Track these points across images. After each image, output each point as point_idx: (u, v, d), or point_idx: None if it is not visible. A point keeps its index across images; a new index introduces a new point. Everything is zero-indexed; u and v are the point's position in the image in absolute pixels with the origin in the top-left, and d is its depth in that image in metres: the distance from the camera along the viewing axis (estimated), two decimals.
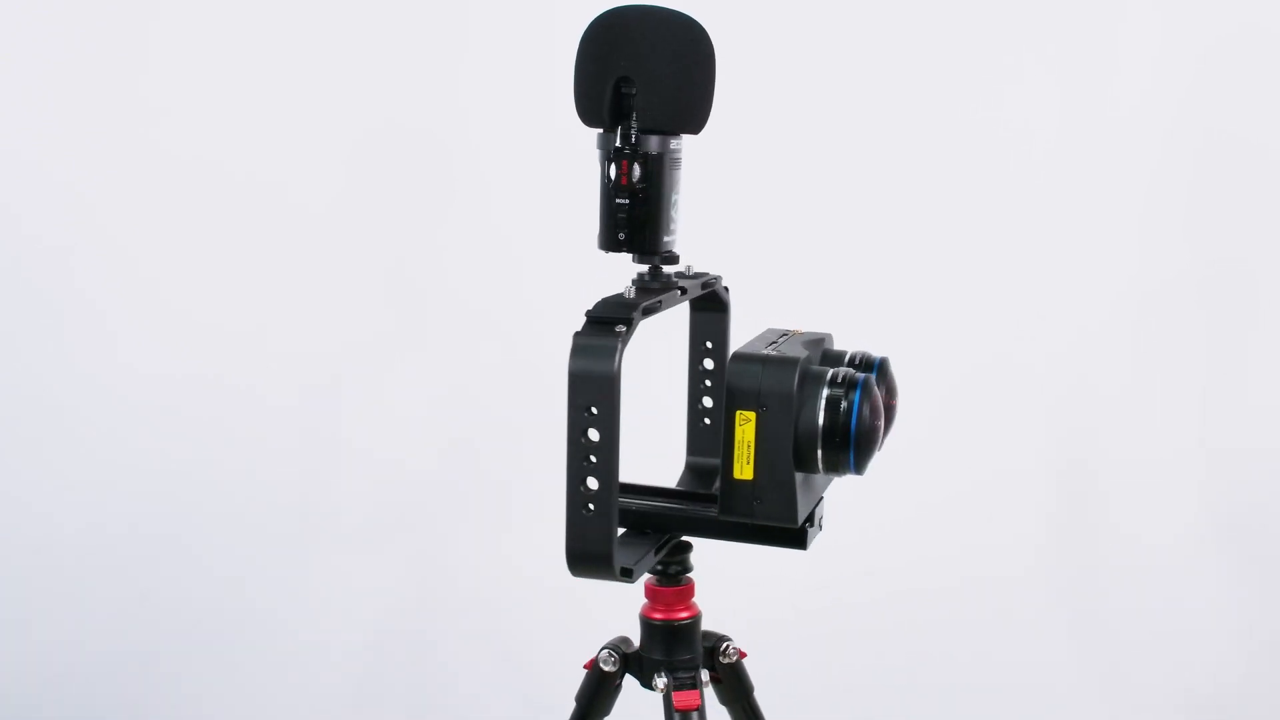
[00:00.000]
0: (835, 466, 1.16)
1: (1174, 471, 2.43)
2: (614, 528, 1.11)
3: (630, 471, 1.33)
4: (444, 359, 2.30)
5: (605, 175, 1.20)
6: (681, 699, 1.25)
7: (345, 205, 2.26)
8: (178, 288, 2.19)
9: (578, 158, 1.25)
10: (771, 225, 2.37)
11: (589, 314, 1.12)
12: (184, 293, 2.20)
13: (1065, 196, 2.43)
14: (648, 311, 1.15)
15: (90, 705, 2.10)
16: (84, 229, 2.16)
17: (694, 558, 1.32)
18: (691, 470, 1.42)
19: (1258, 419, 2.42)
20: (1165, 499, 2.42)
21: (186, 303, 2.20)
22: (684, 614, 1.32)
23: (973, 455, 2.42)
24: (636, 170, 1.19)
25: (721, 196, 2.27)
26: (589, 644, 1.34)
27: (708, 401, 1.42)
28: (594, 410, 1.08)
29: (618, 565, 1.12)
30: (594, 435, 1.09)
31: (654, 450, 1.37)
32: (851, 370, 1.18)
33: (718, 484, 1.18)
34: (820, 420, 1.15)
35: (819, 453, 1.15)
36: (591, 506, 1.10)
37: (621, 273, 1.25)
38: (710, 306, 1.42)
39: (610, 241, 1.21)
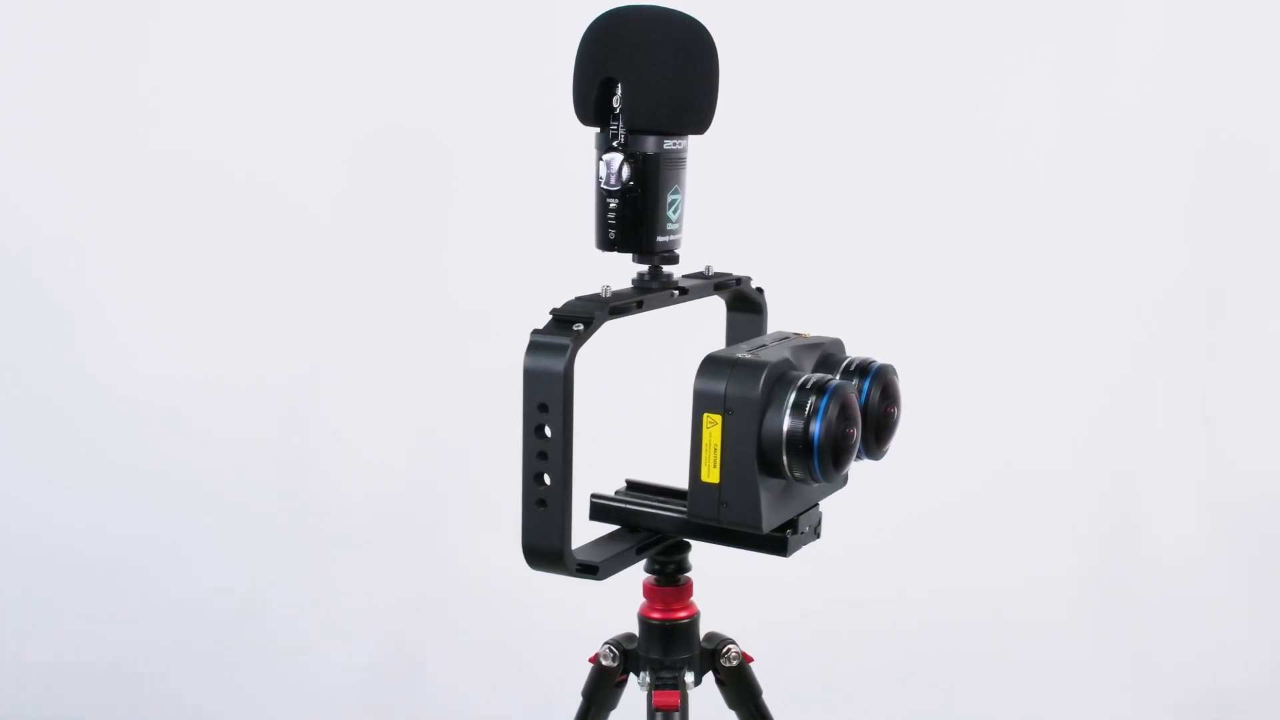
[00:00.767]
0: (804, 474, 1.14)
1: (1183, 470, 2.41)
2: (567, 524, 1.12)
3: (654, 470, 1.34)
4: (443, 360, 2.28)
5: (597, 174, 1.21)
6: (661, 698, 1.25)
7: (346, 205, 2.26)
8: (178, 287, 2.19)
9: (580, 158, 1.26)
10: (792, 226, 2.36)
11: (553, 311, 1.14)
12: (184, 292, 2.19)
13: (1066, 197, 2.40)
14: (618, 312, 1.16)
15: (89, 706, 2.13)
16: (85, 228, 2.15)
17: (701, 558, 1.32)
18: None
19: (1263, 418, 2.39)
20: (1176, 497, 2.41)
21: (186, 302, 2.19)
22: (682, 614, 1.32)
23: (977, 457, 2.41)
24: (627, 169, 1.19)
25: (749, 198, 2.28)
26: (588, 644, 1.35)
27: None
28: (547, 407, 1.10)
29: (572, 562, 1.14)
30: (547, 432, 1.10)
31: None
32: (825, 376, 1.15)
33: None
34: (785, 426, 1.13)
35: (784, 459, 1.13)
36: (545, 502, 1.12)
37: (622, 272, 1.26)
38: (744, 307, 1.41)
39: (603, 240, 1.22)
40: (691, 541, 1.31)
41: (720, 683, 1.36)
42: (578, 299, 1.16)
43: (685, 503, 1.27)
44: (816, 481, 1.15)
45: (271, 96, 2.15)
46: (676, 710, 1.25)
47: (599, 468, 1.34)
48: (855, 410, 1.16)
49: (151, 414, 2.16)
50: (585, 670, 1.34)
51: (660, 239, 1.22)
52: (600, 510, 1.29)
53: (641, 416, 1.86)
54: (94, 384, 2.14)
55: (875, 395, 1.22)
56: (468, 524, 2.31)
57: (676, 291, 1.26)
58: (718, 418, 1.15)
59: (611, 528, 1.28)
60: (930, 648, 2.33)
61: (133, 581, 2.14)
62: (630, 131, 1.19)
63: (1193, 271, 2.42)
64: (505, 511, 1.18)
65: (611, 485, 1.33)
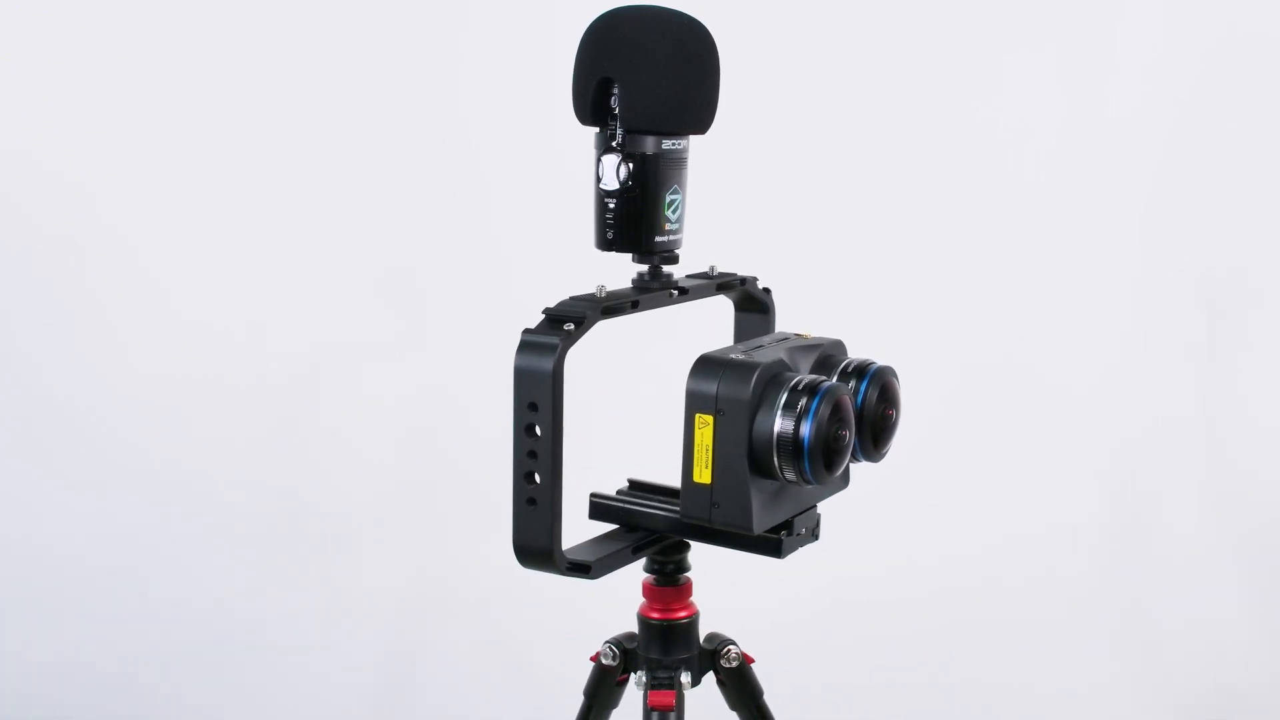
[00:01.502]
0: (795, 475, 1.13)
1: (1184, 470, 2.41)
2: (557, 523, 1.12)
3: (657, 470, 1.34)
4: (444, 360, 2.26)
5: (596, 175, 1.21)
6: (656, 698, 1.26)
7: (346, 206, 2.24)
8: (177, 288, 2.17)
9: (581, 158, 1.26)
10: (795, 227, 2.35)
11: (545, 310, 1.14)
12: (183, 293, 2.17)
13: (1067, 197, 2.39)
14: (611, 312, 1.16)
15: (89, 707, 2.13)
16: (85, 228, 2.14)
17: (702, 559, 1.32)
18: None
19: (1263, 418, 2.39)
20: (1176, 498, 2.41)
21: (186, 303, 2.17)
22: (682, 614, 1.32)
23: (977, 458, 2.40)
24: (624, 170, 1.19)
25: (754, 198, 2.27)
26: (588, 644, 1.35)
27: None
28: (536, 406, 1.10)
29: (562, 560, 1.14)
30: (537, 431, 1.11)
31: None
32: (818, 378, 1.15)
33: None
34: (775, 427, 1.12)
35: (775, 460, 1.13)
36: (535, 501, 1.12)
37: (623, 272, 1.26)
38: (751, 308, 1.41)
39: (602, 241, 1.23)
40: (691, 542, 1.31)
41: (721, 684, 1.35)
42: (572, 299, 1.16)
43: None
44: (808, 483, 1.14)
45: (272, 97, 2.14)
46: (672, 710, 1.25)
47: (602, 467, 1.35)
48: (848, 412, 1.15)
49: (150, 415, 2.15)
50: (585, 670, 1.34)
51: (658, 239, 1.22)
52: (600, 509, 1.29)
53: (645, 416, 1.85)
54: (94, 385, 2.13)
55: (872, 397, 1.21)
56: (468, 524, 2.30)
57: (675, 291, 1.25)
58: (709, 418, 1.15)
59: (611, 527, 1.28)
60: (932, 648, 2.34)
61: (132, 583, 2.14)
62: (628, 132, 1.19)
63: (1193, 272, 2.42)
64: (505, 512, 1.18)
65: (614, 484, 1.33)
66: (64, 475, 2.16)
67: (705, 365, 1.16)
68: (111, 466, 2.17)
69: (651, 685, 1.27)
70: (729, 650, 1.34)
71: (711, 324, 1.43)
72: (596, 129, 1.21)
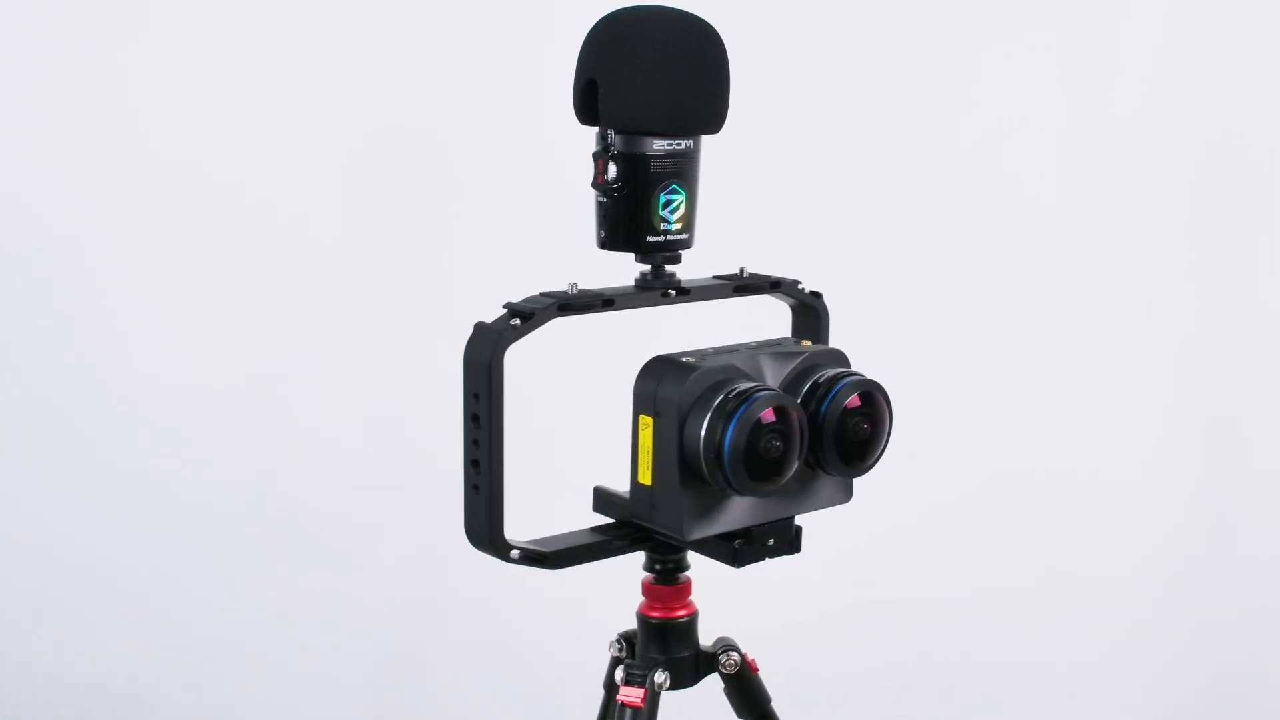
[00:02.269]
0: (722, 484, 1.12)
1: (1183, 470, 2.40)
2: (497, 508, 1.16)
3: None
4: (445, 359, 2.19)
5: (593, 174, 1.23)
6: (625, 694, 1.26)
7: (347, 206, 2.19)
8: (176, 288, 2.15)
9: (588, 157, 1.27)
10: (796, 226, 2.27)
11: (506, 304, 1.18)
12: (183, 294, 2.15)
13: (1068, 197, 2.36)
14: (568, 309, 1.18)
15: (89, 708, 2.15)
16: (85, 228, 2.11)
17: (704, 559, 1.31)
18: None
19: (1262, 418, 2.39)
20: (1175, 498, 2.41)
21: (185, 304, 2.15)
22: (681, 613, 1.32)
23: (977, 458, 2.37)
24: (613, 169, 1.20)
25: (759, 197, 2.19)
26: (588, 643, 1.37)
27: None
28: (478, 396, 1.15)
29: (506, 547, 1.18)
30: (480, 420, 1.15)
31: None
32: (754, 386, 1.12)
33: None
34: (701, 433, 1.11)
35: (703, 466, 1.12)
36: (477, 487, 1.17)
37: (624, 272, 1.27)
38: (802, 311, 1.38)
39: (598, 239, 1.25)
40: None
41: (726, 689, 1.34)
42: (541, 294, 1.19)
43: None
44: (736, 492, 1.12)
45: (271, 98, 2.12)
46: (638, 709, 1.25)
47: (615, 462, 1.36)
48: (789, 424, 1.12)
49: (148, 416, 2.13)
50: (585, 670, 1.36)
51: (652, 239, 1.22)
52: (601, 502, 1.31)
53: None
54: (92, 385, 2.11)
55: (835, 412, 1.16)
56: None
57: (674, 291, 1.25)
58: (649, 420, 1.15)
59: (610, 520, 1.30)
60: (934, 649, 2.35)
61: (132, 584, 2.15)
62: (618, 132, 1.20)
63: (1197, 273, 2.38)
64: (510, 511, 1.22)
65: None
66: (60, 477, 2.13)
67: (651, 367, 1.17)
68: (110, 467, 2.13)
69: (625, 680, 1.28)
70: (730, 656, 1.32)
71: (764, 324, 1.40)
72: (596, 129, 1.23)
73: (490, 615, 2.22)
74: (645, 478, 1.17)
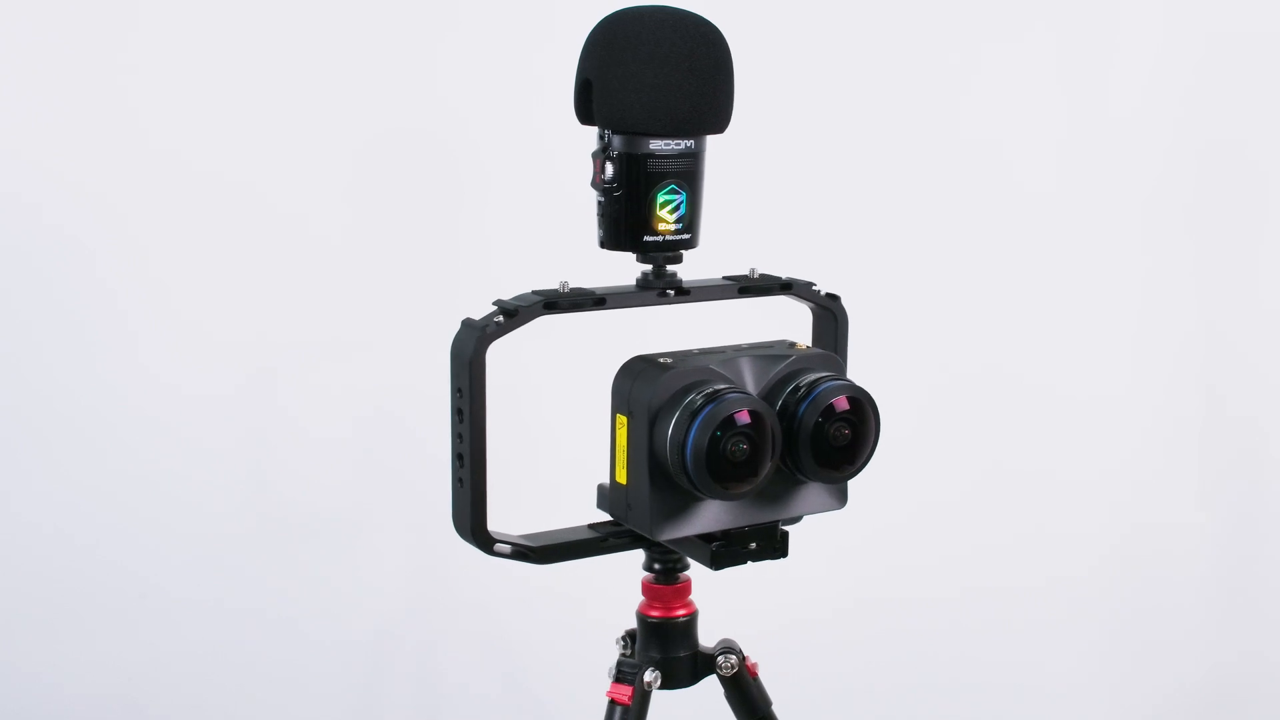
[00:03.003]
0: (689, 486, 1.12)
1: (1182, 471, 2.42)
2: (478, 501, 1.19)
3: None
4: (444, 359, 2.13)
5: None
6: (615, 690, 1.27)
7: (349, 206, 2.14)
8: (178, 288, 2.10)
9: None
10: (798, 227, 2.24)
11: (496, 301, 1.20)
12: (183, 295, 2.10)
13: (1068, 198, 2.35)
14: (553, 308, 1.19)
15: (89, 706, 2.14)
16: (86, 228, 2.06)
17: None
18: None
19: (1261, 418, 2.41)
20: (1173, 499, 2.42)
21: (186, 305, 2.11)
22: (680, 612, 1.31)
23: (976, 459, 2.37)
24: (610, 169, 1.21)
25: (761, 197, 2.14)
26: (588, 643, 1.38)
27: None
28: (460, 391, 1.17)
29: (488, 541, 1.20)
30: (463, 414, 1.18)
31: None
32: (722, 389, 1.11)
33: None
34: (668, 434, 1.11)
35: (670, 467, 1.12)
36: (461, 480, 1.19)
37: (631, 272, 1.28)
38: (822, 315, 1.36)
39: (599, 238, 1.26)
40: None
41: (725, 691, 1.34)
42: (532, 292, 1.21)
43: None
44: (699, 494, 1.12)
45: (270, 98, 2.07)
46: (626, 705, 1.26)
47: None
48: (759, 427, 1.11)
49: (148, 416, 2.10)
50: (585, 670, 1.37)
51: (649, 238, 1.22)
52: (604, 500, 1.32)
53: None
54: (91, 385, 2.07)
55: (811, 417, 1.14)
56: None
57: (672, 291, 1.25)
58: (624, 419, 1.16)
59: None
60: (938, 650, 2.36)
61: (131, 584, 2.13)
62: (615, 132, 1.21)
63: (1195, 275, 2.38)
64: (504, 512, 1.24)
65: None
66: (60, 477, 2.10)
67: (629, 366, 1.17)
68: (110, 468, 2.11)
69: (616, 677, 1.28)
70: (727, 659, 1.32)
71: (784, 327, 1.39)
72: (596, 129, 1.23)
73: (491, 614, 2.21)
74: (621, 477, 1.17)
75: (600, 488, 1.31)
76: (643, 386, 1.13)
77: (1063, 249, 2.36)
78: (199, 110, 2.03)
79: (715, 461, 1.09)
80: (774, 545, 1.21)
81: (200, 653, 2.15)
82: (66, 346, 2.07)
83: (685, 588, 1.32)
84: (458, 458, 1.19)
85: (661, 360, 1.15)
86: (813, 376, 1.17)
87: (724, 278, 1.31)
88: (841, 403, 1.15)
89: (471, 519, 1.19)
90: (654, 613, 1.31)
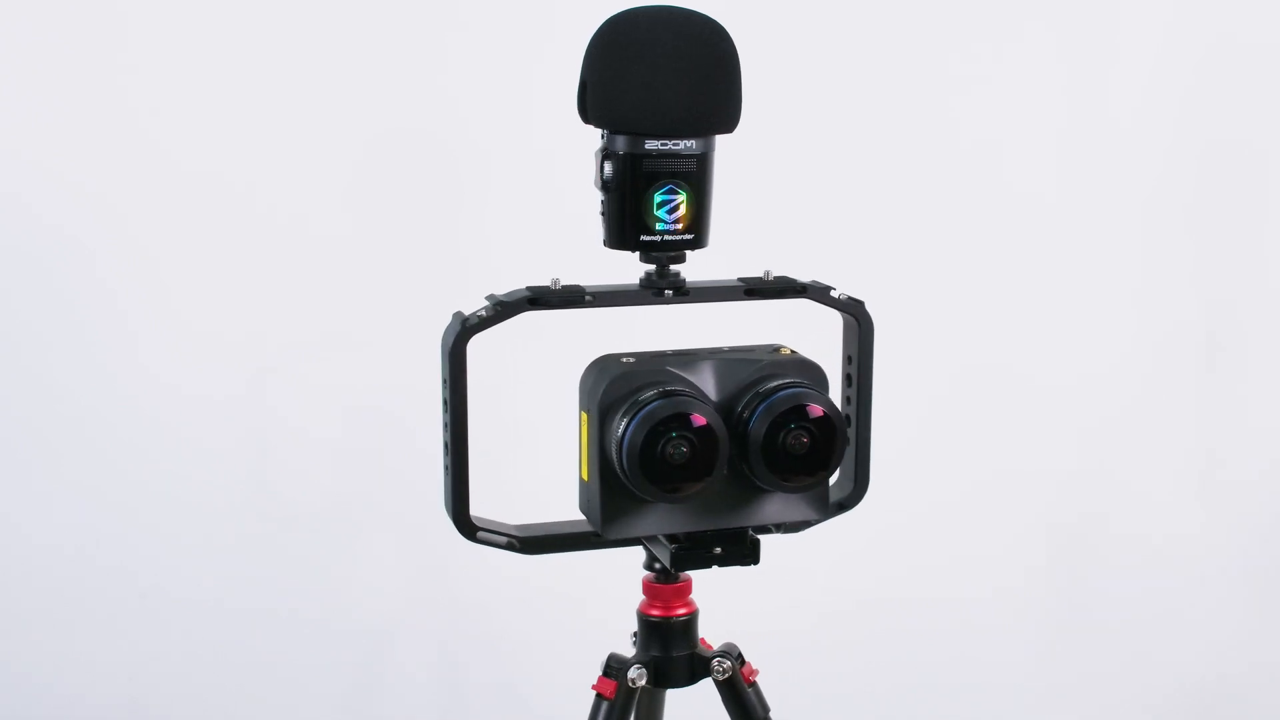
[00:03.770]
0: (632, 486, 1.12)
1: (1181, 472, 2.43)
2: (461, 490, 1.23)
3: None
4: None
5: None
6: (600, 684, 1.28)
7: (350, 207, 2.08)
8: (178, 289, 2.07)
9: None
10: (799, 227, 2.20)
11: (488, 297, 1.24)
12: (184, 295, 2.07)
13: (1068, 199, 2.33)
14: (539, 304, 1.21)
15: (87, 707, 2.14)
16: (87, 228, 2.04)
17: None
18: None
19: (1260, 422, 2.42)
20: (1172, 500, 2.43)
21: (185, 305, 2.08)
22: (680, 611, 1.31)
23: (975, 459, 2.35)
24: (608, 168, 1.23)
25: (763, 196, 2.08)
26: (588, 643, 1.39)
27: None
28: (446, 381, 1.22)
29: (470, 529, 1.24)
30: (448, 404, 1.23)
31: None
32: (664, 391, 1.12)
33: None
34: (615, 434, 1.12)
35: (615, 467, 1.13)
36: (448, 468, 1.24)
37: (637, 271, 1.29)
38: (846, 319, 1.33)
39: (603, 237, 1.27)
40: None
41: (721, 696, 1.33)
42: (527, 288, 1.24)
43: None
44: (639, 495, 1.12)
45: (271, 99, 2.04)
46: (610, 699, 1.27)
47: None
48: (700, 430, 1.10)
49: (148, 416, 2.09)
50: (584, 670, 1.37)
51: (646, 238, 1.23)
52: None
53: None
54: (92, 384, 2.05)
55: (763, 424, 1.12)
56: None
57: (671, 292, 1.25)
58: (585, 417, 1.17)
59: None
60: (937, 651, 2.36)
61: (131, 584, 2.12)
62: (611, 132, 1.22)
63: (1194, 277, 2.38)
64: (504, 511, 1.27)
65: None
66: (59, 476, 2.10)
67: (593, 365, 1.19)
68: (109, 469, 2.10)
69: (603, 671, 1.30)
70: (721, 663, 1.31)
71: (798, 330, 1.36)
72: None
73: (491, 613, 2.20)
74: (584, 473, 1.19)
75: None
76: (599, 385, 1.15)
77: (1062, 249, 2.33)
78: (199, 111, 2.04)
79: (651, 462, 1.09)
80: (743, 551, 1.20)
81: (200, 652, 2.16)
82: (67, 347, 2.06)
83: (685, 587, 1.31)
84: (444, 446, 1.24)
85: (624, 359, 1.16)
86: (776, 383, 1.15)
87: (738, 279, 1.30)
88: (797, 411, 1.12)
89: (454, 507, 1.23)
90: (654, 611, 1.32)
